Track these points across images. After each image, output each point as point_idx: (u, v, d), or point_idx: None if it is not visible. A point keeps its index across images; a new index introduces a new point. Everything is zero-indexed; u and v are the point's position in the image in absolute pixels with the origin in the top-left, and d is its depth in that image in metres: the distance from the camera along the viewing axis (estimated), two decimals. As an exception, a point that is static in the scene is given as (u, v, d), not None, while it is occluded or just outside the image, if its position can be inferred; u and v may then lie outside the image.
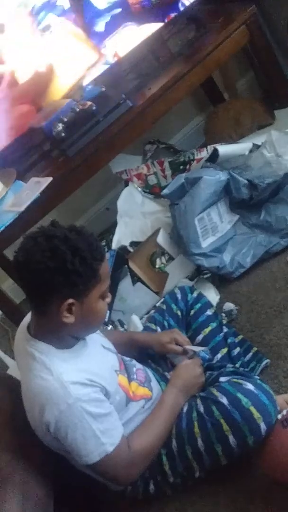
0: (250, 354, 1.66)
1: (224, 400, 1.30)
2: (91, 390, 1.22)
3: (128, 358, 1.49)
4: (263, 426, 1.26)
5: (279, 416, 1.29)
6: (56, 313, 1.20)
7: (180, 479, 1.37)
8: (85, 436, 1.19)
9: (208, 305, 1.70)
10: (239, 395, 1.29)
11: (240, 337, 1.70)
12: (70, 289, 1.18)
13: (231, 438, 1.27)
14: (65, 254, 1.16)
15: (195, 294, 1.72)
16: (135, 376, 1.43)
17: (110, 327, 2.02)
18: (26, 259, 1.18)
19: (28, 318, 1.34)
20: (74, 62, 2.20)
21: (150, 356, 1.61)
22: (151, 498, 1.41)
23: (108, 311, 2.07)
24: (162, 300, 1.87)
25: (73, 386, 1.19)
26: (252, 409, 1.26)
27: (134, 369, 1.46)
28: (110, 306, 2.09)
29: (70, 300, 1.19)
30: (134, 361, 1.50)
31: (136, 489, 1.39)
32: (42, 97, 2.21)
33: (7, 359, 2.28)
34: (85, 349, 1.32)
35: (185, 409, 1.38)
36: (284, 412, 1.30)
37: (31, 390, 1.23)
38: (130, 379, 1.41)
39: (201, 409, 1.34)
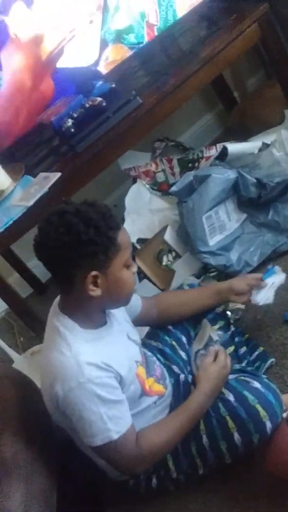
0: (256, 353, 1.66)
1: (230, 397, 1.30)
2: (105, 374, 1.22)
3: (150, 354, 1.49)
4: (268, 425, 1.26)
5: (284, 415, 1.29)
6: (82, 288, 1.21)
7: (184, 476, 1.37)
8: (91, 417, 1.19)
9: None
10: (246, 392, 1.29)
11: (246, 336, 1.70)
12: (90, 261, 1.19)
13: (236, 436, 1.27)
14: (78, 226, 1.17)
15: None
16: (154, 372, 1.43)
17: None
18: (43, 240, 1.21)
19: (55, 302, 1.35)
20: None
21: (160, 351, 1.59)
22: (154, 493, 1.41)
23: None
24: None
25: (88, 366, 1.20)
26: (258, 407, 1.26)
27: (155, 366, 1.45)
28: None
29: (94, 273, 1.20)
30: (154, 358, 1.50)
31: (139, 483, 1.39)
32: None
33: (13, 353, 2.29)
34: (109, 334, 1.31)
35: None
36: (289, 411, 1.30)
37: (48, 361, 1.25)
38: (149, 375, 1.40)
39: None
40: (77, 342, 1.23)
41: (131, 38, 2.22)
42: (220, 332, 1.51)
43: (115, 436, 1.21)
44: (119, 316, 1.41)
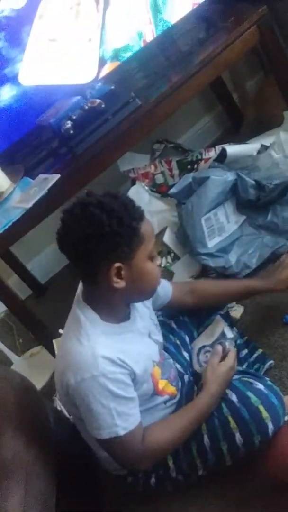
0: (255, 355, 1.66)
1: (233, 398, 1.30)
2: (119, 370, 1.21)
3: (167, 355, 1.49)
4: (270, 426, 1.25)
5: (286, 418, 1.29)
6: (106, 280, 1.20)
7: (183, 476, 1.37)
8: (100, 410, 1.19)
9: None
10: (249, 393, 1.29)
11: (245, 338, 1.70)
12: (114, 252, 1.18)
13: (237, 436, 1.27)
14: (100, 218, 1.16)
15: None
16: (169, 374, 1.42)
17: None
18: (66, 232, 1.20)
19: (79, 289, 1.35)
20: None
21: (172, 330, 1.60)
22: (152, 492, 1.41)
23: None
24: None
25: (103, 360, 1.19)
26: (261, 408, 1.26)
27: (171, 369, 1.44)
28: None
29: (117, 264, 1.19)
30: (171, 360, 1.49)
31: (137, 480, 1.38)
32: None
33: (12, 355, 2.29)
34: (130, 330, 1.31)
35: None
36: (290, 414, 1.30)
37: (65, 348, 1.25)
38: (164, 377, 1.39)
39: None
40: (96, 334, 1.23)
41: (129, 56, 2.24)
42: (236, 333, 1.50)
43: (122, 432, 1.20)
44: (144, 312, 1.40)
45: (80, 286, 1.35)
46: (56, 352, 1.34)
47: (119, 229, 1.17)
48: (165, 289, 1.52)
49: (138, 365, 1.26)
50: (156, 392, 1.34)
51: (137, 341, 1.32)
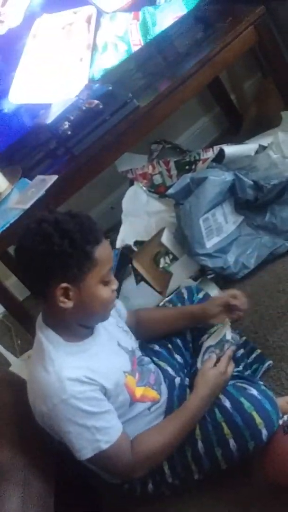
0: (253, 356, 1.66)
1: (227, 404, 1.29)
2: (88, 388, 1.20)
3: (147, 360, 1.47)
4: (264, 432, 1.25)
5: (280, 422, 1.28)
6: (54, 299, 1.20)
7: (179, 481, 1.37)
8: (78, 431, 1.18)
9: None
10: (242, 399, 1.29)
11: (243, 338, 1.69)
12: (63, 273, 1.18)
13: (231, 442, 1.27)
14: (52, 237, 1.15)
15: (201, 295, 1.71)
16: (148, 380, 1.41)
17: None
18: (20, 246, 1.21)
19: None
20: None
21: (156, 353, 1.58)
22: (149, 497, 1.41)
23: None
24: (168, 299, 1.86)
25: (70, 382, 1.18)
26: (254, 414, 1.26)
27: (150, 373, 1.43)
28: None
29: (64, 284, 1.18)
30: (151, 365, 1.48)
31: (134, 487, 1.38)
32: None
33: (10, 356, 2.29)
34: (95, 344, 1.30)
35: None
36: (286, 417, 1.30)
37: (32, 376, 1.25)
38: (142, 384, 1.38)
39: None
40: (60, 357, 1.22)
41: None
42: (236, 336, 1.49)
43: (105, 446, 1.20)
44: (110, 322, 1.39)
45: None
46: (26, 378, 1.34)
47: (69, 250, 1.16)
48: (122, 309, 1.53)
49: (108, 380, 1.25)
50: (133, 401, 1.34)
51: (104, 355, 1.31)
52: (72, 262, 1.17)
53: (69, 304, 1.20)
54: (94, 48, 2.15)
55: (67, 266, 1.17)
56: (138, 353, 1.47)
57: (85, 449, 1.20)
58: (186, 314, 1.59)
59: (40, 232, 1.17)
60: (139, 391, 1.36)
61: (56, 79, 2.17)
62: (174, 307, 1.71)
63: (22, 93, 2.14)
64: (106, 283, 1.24)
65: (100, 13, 2.09)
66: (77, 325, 1.28)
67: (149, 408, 1.37)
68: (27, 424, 1.33)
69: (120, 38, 2.18)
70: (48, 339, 1.25)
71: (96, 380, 1.22)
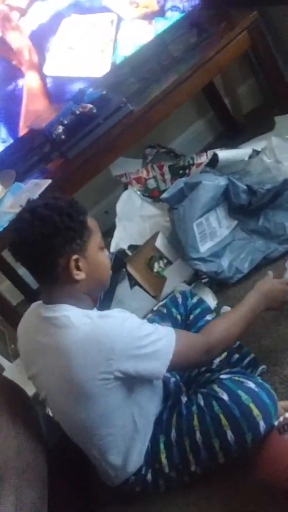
0: (247, 360, 1.66)
1: (224, 396, 1.30)
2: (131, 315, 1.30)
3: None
4: (262, 424, 1.25)
5: (276, 423, 1.28)
6: (67, 275, 1.26)
7: (175, 472, 1.36)
8: (153, 335, 1.26)
9: (208, 310, 1.70)
10: (240, 391, 1.29)
11: (237, 343, 1.69)
12: (70, 246, 1.25)
13: (229, 433, 1.26)
14: (52, 217, 1.23)
15: (195, 300, 1.72)
16: None
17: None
18: (22, 237, 1.24)
19: (33, 306, 1.39)
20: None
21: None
22: (148, 490, 1.40)
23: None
24: (162, 303, 1.86)
25: (120, 312, 1.27)
26: (252, 406, 1.26)
27: None
28: (107, 308, 2.09)
29: (75, 256, 1.26)
30: None
31: (139, 478, 1.37)
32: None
33: (3, 361, 2.28)
34: None
35: (184, 400, 1.38)
36: (281, 418, 1.29)
37: (75, 344, 1.22)
38: None
39: (201, 402, 1.34)
40: (87, 312, 1.28)
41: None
42: None
43: (174, 335, 1.28)
44: None
45: (26, 314, 1.39)
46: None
47: (71, 224, 1.24)
48: None
49: None
50: None
51: None
52: (75, 234, 1.26)
53: (82, 275, 1.27)
54: (115, 41, 2.30)
55: (72, 239, 1.25)
56: None
57: (167, 346, 1.27)
58: None
59: (38, 217, 1.23)
60: None
61: (79, 65, 2.31)
62: None
63: (54, 67, 2.28)
64: (102, 249, 1.35)
65: (120, 19, 2.30)
66: (87, 295, 1.34)
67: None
68: (20, 428, 1.32)
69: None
70: (65, 310, 1.27)
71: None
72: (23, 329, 1.41)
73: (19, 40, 2.19)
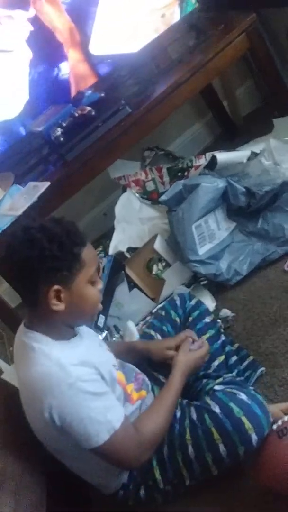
0: (246, 362, 1.66)
1: (216, 409, 1.30)
2: (90, 371, 1.22)
3: (127, 363, 1.49)
4: (254, 437, 1.25)
5: (275, 427, 1.28)
6: (46, 302, 1.21)
7: (171, 487, 1.36)
8: (90, 415, 1.18)
9: (207, 312, 1.69)
10: (232, 404, 1.29)
11: (236, 345, 1.69)
12: (54, 275, 1.20)
13: (221, 447, 1.26)
14: (41, 242, 1.18)
15: (193, 302, 1.71)
16: (133, 379, 1.43)
17: (105, 332, 2.01)
18: (7, 253, 1.21)
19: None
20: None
21: (150, 363, 1.59)
22: (142, 504, 1.40)
23: (104, 317, 2.06)
24: (161, 306, 1.86)
25: (73, 366, 1.19)
26: (244, 419, 1.26)
27: (134, 373, 1.46)
28: (106, 311, 2.09)
29: (56, 287, 1.20)
30: (134, 367, 1.49)
31: (128, 493, 1.37)
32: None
33: (2, 364, 2.27)
34: (82, 343, 1.31)
35: (178, 415, 1.37)
36: (280, 422, 1.29)
37: (30, 378, 1.22)
38: (129, 381, 1.40)
39: (194, 416, 1.34)
40: (53, 351, 1.22)
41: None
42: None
43: (118, 425, 1.21)
44: (88, 330, 1.42)
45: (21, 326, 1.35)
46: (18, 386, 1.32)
47: (59, 254, 1.18)
48: None
49: (103, 369, 1.27)
50: (127, 398, 1.36)
51: (93, 350, 1.34)
52: (62, 264, 1.20)
53: (61, 306, 1.22)
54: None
55: (57, 269, 1.20)
56: None
57: (101, 433, 1.19)
58: (131, 348, 1.61)
59: (28, 238, 1.19)
60: (129, 387, 1.38)
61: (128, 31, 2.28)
62: (123, 342, 1.79)
63: (102, 44, 2.26)
64: (93, 283, 1.28)
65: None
66: (65, 326, 1.30)
67: (139, 408, 1.38)
68: (18, 432, 1.32)
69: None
70: (36, 341, 1.24)
71: (94, 364, 1.24)
72: (15, 342, 1.37)
73: (60, 19, 2.14)
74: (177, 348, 1.51)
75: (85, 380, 1.19)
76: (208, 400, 1.34)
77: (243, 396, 1.31)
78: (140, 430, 1.27)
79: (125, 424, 1.23)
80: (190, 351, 1.47)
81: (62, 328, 1.29)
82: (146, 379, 1.49)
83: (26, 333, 1.27)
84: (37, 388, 1.20)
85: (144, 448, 1.27)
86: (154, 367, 1.58)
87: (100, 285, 1.31)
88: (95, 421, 1.18)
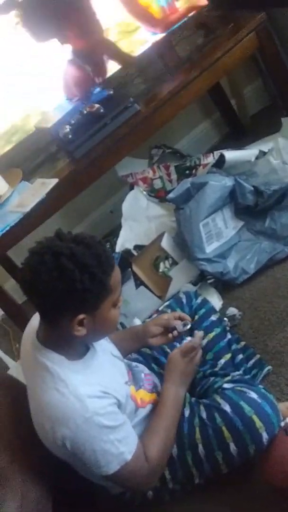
0: (253, 361, 1.66)
1: (227, 408, 1.29)
2: (107, 403, 1.19)
3: (135, 364, 1.47)
4: (265, 436, 1.25)
5: (282, 424, 1.28)
6: (68, 327, 1.17)
7: (180, 486, 1.36)
8: (103, 448, 1.16)
9: (213, 310, 1.69)
10: (242, 403, 1.28)
11: (242, 343, 1.69)
12: (81, 305, 1.15)
13: (232, 446, 1.26)
14: (73, 273, 1.11)
15: (199, 300, 1.71)
16: (142, 383, 1.41)
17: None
18: (34, 279, 1.14)
19: (34, 322, 1.30)
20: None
21: (155, 359, 1.59)
22: (149, 504, 1.40)
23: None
24: (167, 304, 1.86)
25: (90, 399, 1.16)
26: (255, 418, 1.25)
27: (142, 375, 1.43)
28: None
29: (81, 316, 1.16)
30: (141, 366, 1.48)
31: (135, 494, 1.38)
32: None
33: (8, 360, 2.28)
34: (95, 359, 1.28)
35: (187, 414, 1.37)
36: (287, 420, 1.29)
37: (45, 402, 1.19)
38: (138, 387, 1.38)
39: (204, 415, 1.33)
40: (70, 377, 1.19)
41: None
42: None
43: (129, 457, 1.19)
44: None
45: (31, 324, 1.32)
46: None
47: (90, 286, 1.13)
48: None
49: (118, 393, 1.24)
50: (137, 407, 1.34)
51: (105, 366, 1.30)
52: (91, 296, 1.15)
53: (83, 331, 1.18)
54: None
55: (85, 300, 1.15)
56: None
57: (111, 464, 1.18)
58: (132, 334, 1.57)
59: (58, 267, 1.11)
60: (138, 396, 1.36)
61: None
62: (124, 329, 1.72)
63: None
64: (116, 305, 1.23)
65: None
66: (81, 345, 1.27)
67: (151, 410, 1.37)
68: (25, 429, 1.32)
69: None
70: (51, 361, 1.21)
71: (110, 393, 1.21)
72: (23, 342, 1.35)
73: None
74: (165, 330, 1.47)
75: (101, 414, 1.16)
76: (217, 398, 1.34)
77: (253, 395, 1.31)
78: (149, 456, 1.24)
79: (137, 454, 1.21)
80: (187, 357, 1.37)
81: (77, 347, 1.26)
82: (156, 379, 1.48)
83: (41, 350, 1.23)
84: (51, 414, 1.17)
85: (154, 472, 1.26)
86: (157, 362, 1.57)
87: (121, 302, 1.26)
88: (108, 454, 1.17)
